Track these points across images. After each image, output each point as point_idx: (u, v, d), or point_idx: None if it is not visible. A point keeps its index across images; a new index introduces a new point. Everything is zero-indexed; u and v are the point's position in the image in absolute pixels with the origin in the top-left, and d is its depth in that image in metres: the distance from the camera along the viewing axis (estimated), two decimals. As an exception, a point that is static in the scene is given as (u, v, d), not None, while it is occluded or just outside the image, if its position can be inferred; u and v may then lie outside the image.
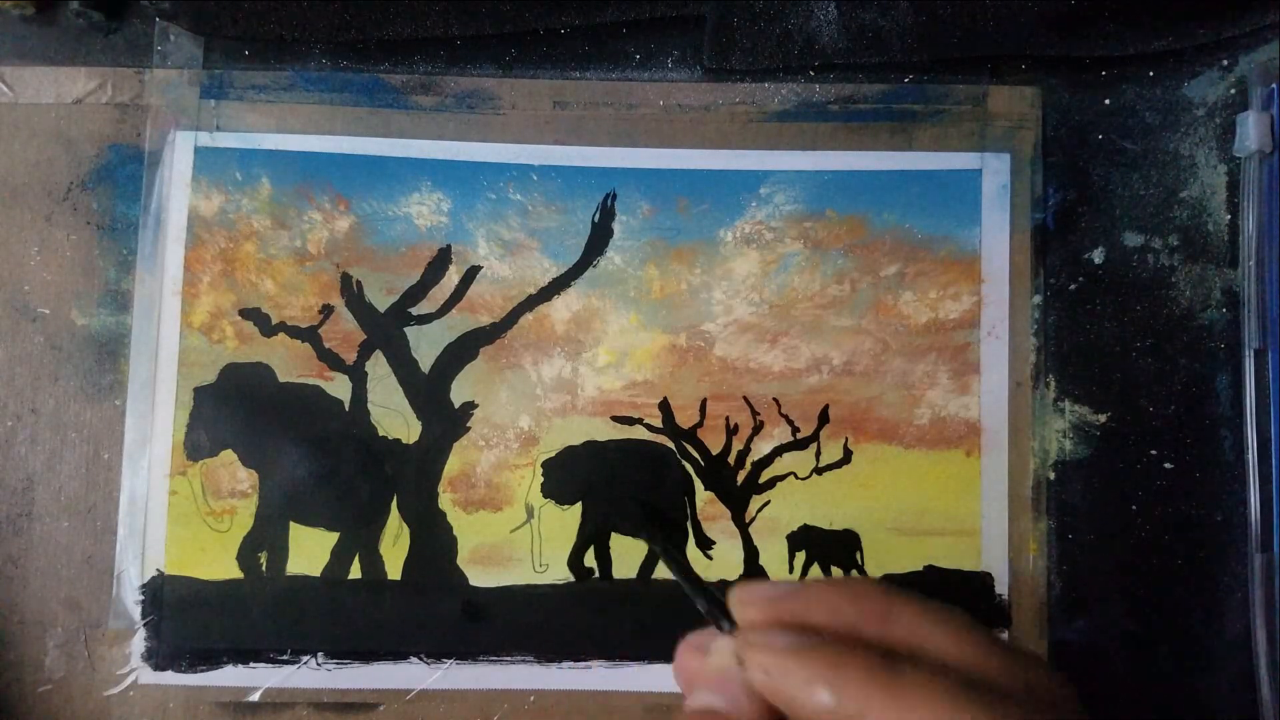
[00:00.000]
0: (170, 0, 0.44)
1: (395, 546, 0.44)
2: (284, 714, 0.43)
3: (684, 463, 0.45)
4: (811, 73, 0.45)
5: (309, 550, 0.43)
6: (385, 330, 0.44)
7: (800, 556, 0.44)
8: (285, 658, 0.43)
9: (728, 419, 0.45)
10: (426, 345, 0.44)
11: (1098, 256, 0.45)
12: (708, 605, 0.27)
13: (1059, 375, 0.45)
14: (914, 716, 0.22)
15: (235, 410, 0.44)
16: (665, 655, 0.41)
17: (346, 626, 0.43)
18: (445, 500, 0.44)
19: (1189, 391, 0.45)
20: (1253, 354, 0.44)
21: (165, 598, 0.43)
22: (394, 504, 0.44)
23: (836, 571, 0.44)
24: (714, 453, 0.44)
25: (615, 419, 0.44)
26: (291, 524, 0.44)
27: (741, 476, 0.44)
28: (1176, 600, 0.44)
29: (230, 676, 0.43)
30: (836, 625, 0.24)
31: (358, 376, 0.44)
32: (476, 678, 0.43)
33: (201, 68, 0.45)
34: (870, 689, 0.22)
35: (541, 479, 0.44)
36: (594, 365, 0.45)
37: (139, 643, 0.43)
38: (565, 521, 0.44)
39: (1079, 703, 0.24)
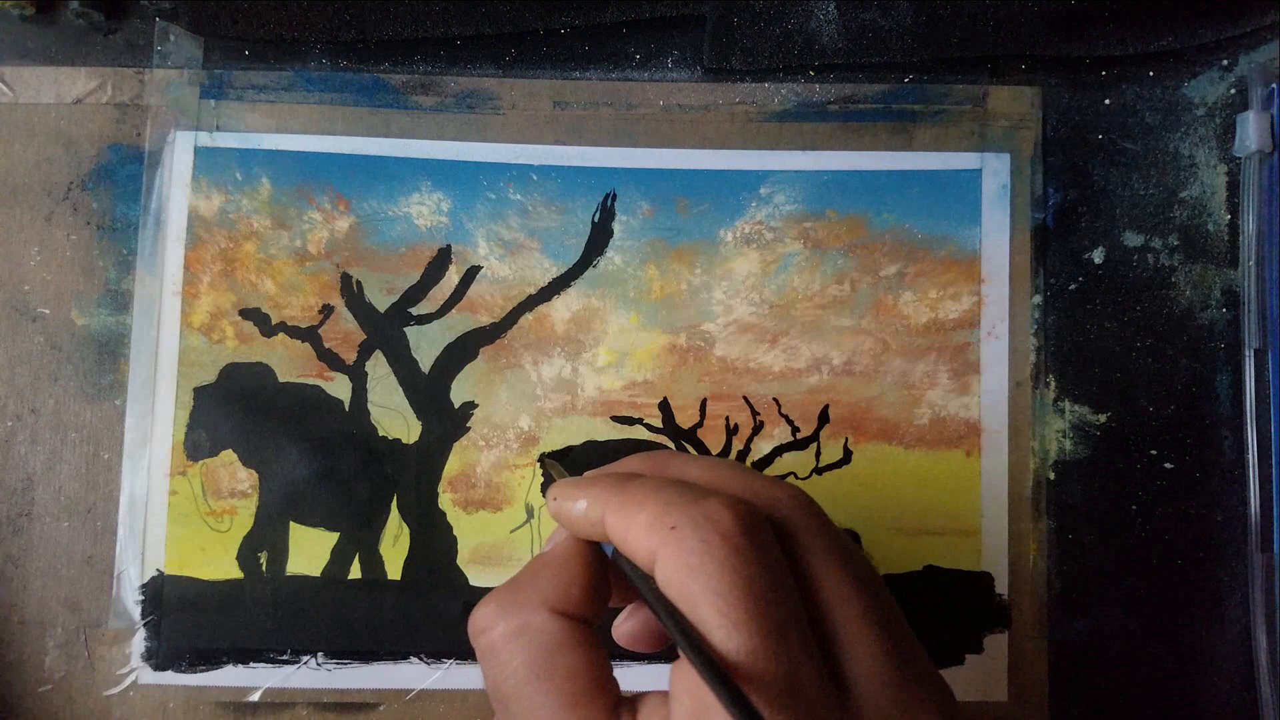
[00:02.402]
0: (170, 0, 0.44)
1: (395, 546, 0.44)
2: (284, 714, 0.43)
3: (684, 463, 0.45)
4: (811, 73, 0.45)
5: (309, 550, 0.43)
6: (385, 330, 0.44)
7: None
8: (285, 658, 0.43)
9: (728, 419, 0.45)
10: (426, 345, 0.44)
11: (1098, 256, 0.45)
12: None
13: (1059, 375, 0.45)
14: (633, 506, 0.27)
15: (235, 410, 0.44)
16: (665, 655, 0.42)
17: (346, 626, 0.43)
18: (445, 500, 0.44)
19: (1189, 391, 0.45)
20: (1253, 354, 0.44)
21: (165, 598, 0.43)
22: (394, 504, 0.44)
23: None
24: (714, 453, 0.44)
25: (615, 419, 0.44)
26: (291, 524, 0.44)
27: (741, 476, 0.44)
28: (1176, 600, 0.44)
29: (230, 676, 0.43)
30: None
31: (358, 376, 0.44)
32: (476, 678, 0.43)
33: (201, 68, 0.45)
34: (608, 493, 0.28)
35: (541, 479, 0.44)
36: (594, 365, 0.45)
37: (139, 643, 0.43)
38: (565, 521, 0.44)
39: (807, 511, 0.29)
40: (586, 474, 0.32)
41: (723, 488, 0.29)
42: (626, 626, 0.34)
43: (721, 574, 0.25)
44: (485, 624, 0.28)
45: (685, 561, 0.25)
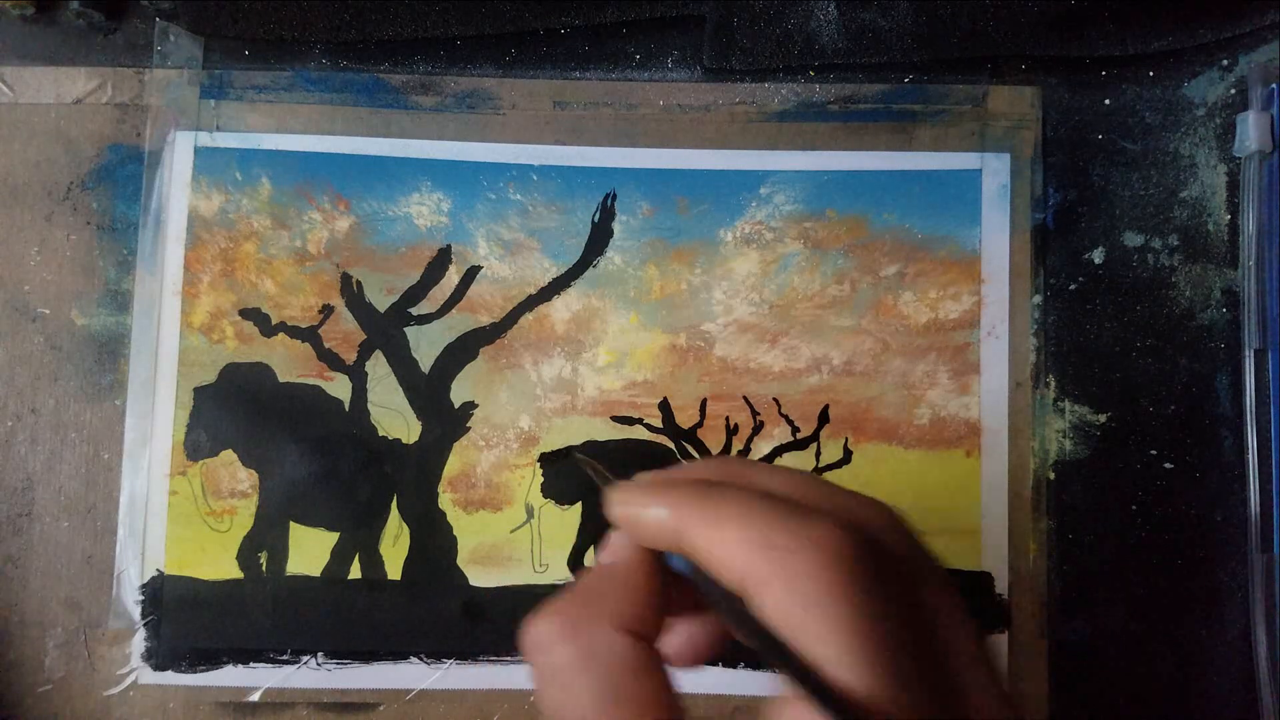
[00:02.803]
0: (170, 0, 0.44)
1: (395, 546, 0.44)
2: (284, 714, 0.43)
3: (684, 463, 0.44)
4: (811, 73, 0.45)
5: (309, 550, 0.43)
6: (385, 330, 0.44)
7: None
8: (285, 658, 0.43)
9: (728, 419, 0.45)
10: (426, 345, 0.44)
11: (1098, 256, 0.45)
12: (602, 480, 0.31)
13: (1059, 375, 0.45)
14: (725, 520, 0.25)
15: (235, 410, 0.44)
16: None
17: (346, 626, 0.43)
18: (445, 500, 0.44)
19: (1189, 391, 0.45)
20: (1253, 354, 0.44)
21: (165, 598, 0.43)
22: (394, 504, 0.44)
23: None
24: (714, 453, 0.44)
25: (615, 419, 0.44)
26: (291, 524, 0.44)
27: (741, 476, 0.44)
28: (1176, 600, 0.44)
29: (230, 676, 0.43)
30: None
31: (358, 376, 0.44)
32: (476, 678, 0.43)
33: (201, 68, 0.45)
34: (692, 502, 0.26)
35: (541, 479, 0.44)
36: (594, 365, 0.45)
37: (139, 643, 0.43)
38: (565, 521, 0.44)
39: (908, 532, 0.27)
40: (650, 477, 0.29)
41: (818, 505, 0.26)
42: (672, 642, 0.30)
43: (841, 606, 0.23)
44: (547, 642, 0.26)
45: (798, 589, 0.23)
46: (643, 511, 0.27)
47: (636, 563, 0.28)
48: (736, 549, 0.24)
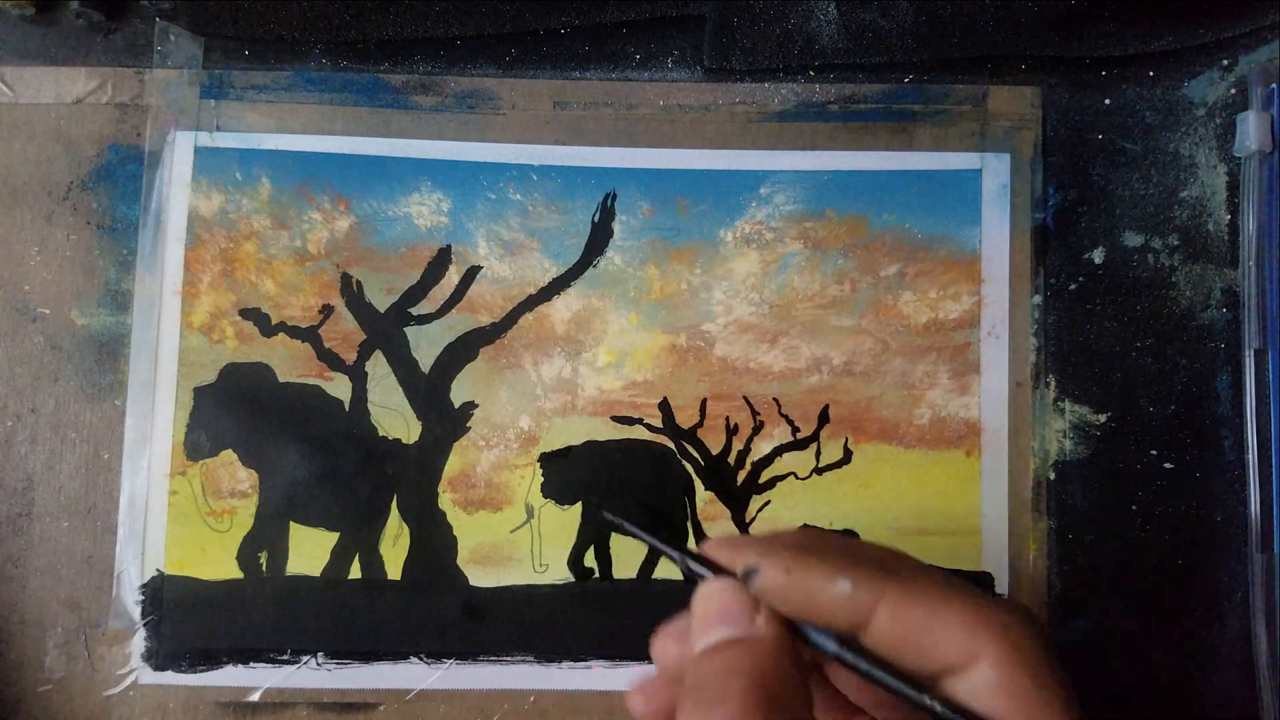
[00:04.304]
0: (170, 0, 0.44)
1: (395, 546, 0.44)
2: (284, 714, 0.43)
3: (684, 463, 0.45)
4: (811, 73, 0.45)
5: (309, 550, 0.43)
6: (385, 330, 0.44)
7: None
8: (285, 658, 0.43)
9: (728, 419, 0.45)
10: (426, 345, 0.44)
11: (1098, 256, 0.45)
12: (684, 560, 0.27)
13: (1059, 375, 0.45)
14: (923, 599, 0.23)
15: (235, 410, 0.44)
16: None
17: (346, 626, 0.43)
18: (445, 500, 0.44)
19: (1189, 391, 0.45)
20: (1253, 354, 0.44)
21: (165, 598, 0.43)
22: (394, 504, 0.44)
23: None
24: (714, 453, 0.44)
25: (615, 419, 0.44)
26: (291, 524, 0.44)
27: (742, 476, 0.44)
28: (1176, 600, 0.44)
29: (230, 676, 0.43)
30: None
31: (358, 376, 0.44)
32: (476, 678, 0.43)
33: (201, 68, 0.45)
34: (880, 576, 0.23)
35: (541, 479, 0.44)
36: (594, 365, 0.45)
37: (139, 643, 0.43)
38: (565, 521, 0.44)
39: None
40: (788, 544, 0.25)
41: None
42: None
43: (1058, 679, 0.23)
44: None
45: (1028, 668, 0.22)
46: (823, 585, 0.24)
47: (786, 644, 0.24)
48: (960, 629, 0.23)
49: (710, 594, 0.25)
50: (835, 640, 0.24)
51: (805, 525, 0.44)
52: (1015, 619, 0.23)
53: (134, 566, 0.43)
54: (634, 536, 0.29)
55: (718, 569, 0.26)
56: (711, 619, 0.24)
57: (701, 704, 0.22)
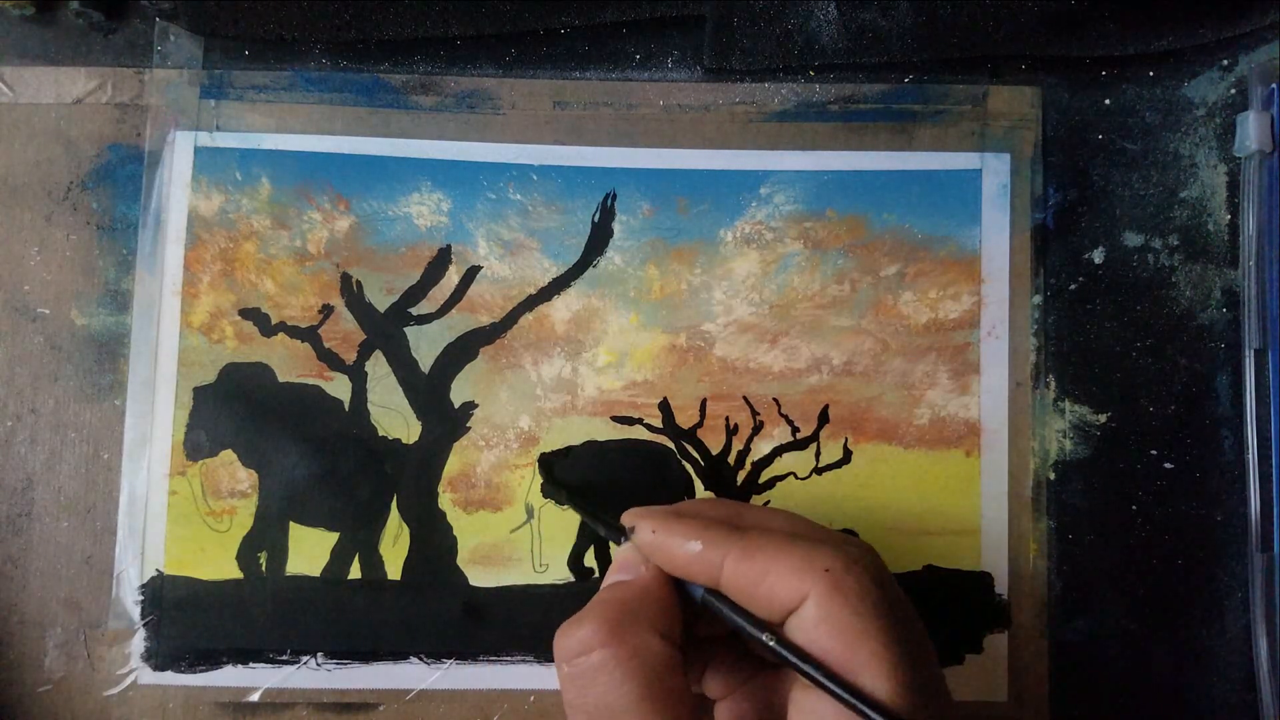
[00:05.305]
0: (170, 0, 0.44)
1: (395, 546, 0.44)
2: (284, 714, 0.43)
3: (684, 463, 0.45)
4: (811, 73, 0.45)
5: (309, 550, 0.43)
6: (385, 330, 0.44)
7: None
8: (285, 658, 0.43)
9: (728, 419, 0.45)
10: (426, 345, 0.44)
11: (1098, 256, 0.45)
12: (607, 529, 0.35)
13: (1059, 375, 0.45)
14: (773, 554, 0.28)
15: (235, 410, 0.44)
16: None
17: (346, 626, 0.43)
18: (445, 500, 0.44)
19: (1189, 391, 0.45)
20: (1253, 354, 0.44)
21: (165, 598, 0.43)
22: (394, 504, 0.44)
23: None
24: (714, 453, 0.44)
25: (615, 419, 0.44)
26: (291, 524, 0.44)
27: (741, 476, 0.44)
28: (1176, 600, 0.44)
29: (230, 676, 0.43)
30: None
31: (358, 376, 0.44)
32: (476, 678, 0.43)
33: (201, 68, 0.45)
34: (728, 539, 0.29)
35: (541, 479, 0.44)
36: (594, 365, 0.45)
37: (139, 643, 0.43)
38: (565, 521, 0.44)
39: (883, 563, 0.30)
40: (669, 511, 0.31)
41: (822, 539, 0.29)
42: (730, 712, 0.33)
43: (887, 620, 0.26)
44: (588, 645, 0.28)
45: (848, 603, 0.26)
46: (678, 542, 0.30)
47: (663, 583, 0.30)
48: (791, 577, 0.27)
49: (620, 551, 0.33)
50: (701, 589, 0.30)
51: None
52: (840, 559, 0.27)
53: (134, 566, 0.43)
54: (573, 508, 0.35)
55: (620, 531, 0.33)
56: (615, 568, 0.32)
57: (583, 614, 0.29)
